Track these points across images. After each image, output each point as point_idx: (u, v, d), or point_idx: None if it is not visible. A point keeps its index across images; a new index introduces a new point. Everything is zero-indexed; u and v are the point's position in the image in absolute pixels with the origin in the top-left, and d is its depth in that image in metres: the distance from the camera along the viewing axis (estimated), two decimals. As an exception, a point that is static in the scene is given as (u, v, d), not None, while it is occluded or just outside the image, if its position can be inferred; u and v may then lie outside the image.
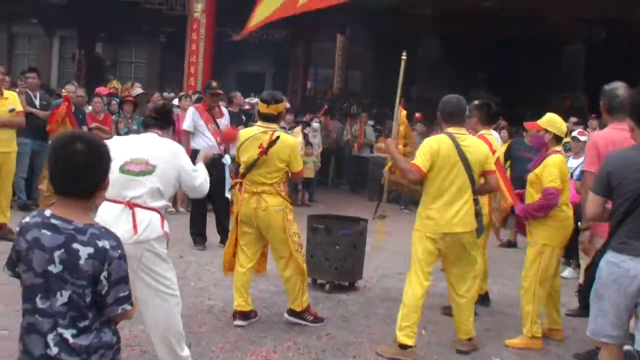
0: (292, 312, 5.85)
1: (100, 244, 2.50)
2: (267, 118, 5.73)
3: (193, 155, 8.59)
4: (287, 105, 8.42)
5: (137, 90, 11.81)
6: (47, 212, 2.54)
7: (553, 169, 5.49)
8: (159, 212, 4.26)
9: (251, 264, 5.83)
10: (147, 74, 25.11)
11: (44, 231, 2.50)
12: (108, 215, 4.17)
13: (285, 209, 5.66)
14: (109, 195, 4.19)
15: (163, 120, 4.66)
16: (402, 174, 5.55)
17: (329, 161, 15.29)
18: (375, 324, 6.02)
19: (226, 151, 8.58)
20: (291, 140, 5.76)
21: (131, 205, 4.17)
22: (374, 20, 18.31)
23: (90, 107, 10.64)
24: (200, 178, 4.56)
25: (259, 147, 5.57)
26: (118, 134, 10.25)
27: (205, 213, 8.68)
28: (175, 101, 11.77)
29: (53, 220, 2.51)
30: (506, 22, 16.36)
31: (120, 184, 4.20)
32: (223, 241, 8.59)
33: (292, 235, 5.69)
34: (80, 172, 2.52)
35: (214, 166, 8.28)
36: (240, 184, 5.75)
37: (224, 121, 8.71)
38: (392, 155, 5.55)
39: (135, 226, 4.12)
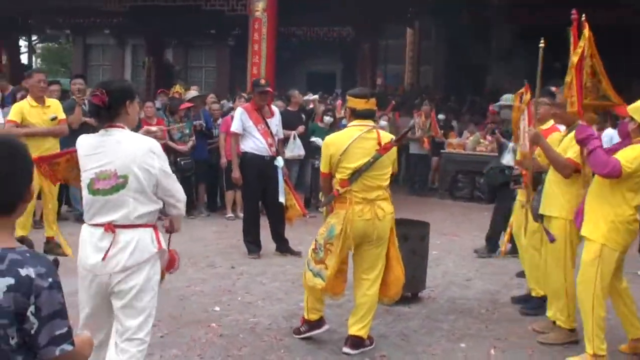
0: (354, 341, 5.02)
1: (23, 272, 1.97)
2: (367, 114, 5.10)
3: (243, 158, 8.23)
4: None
5: (192, 93, 11.42)
6: None
7: (632, 152, 4.66)
8: (150, 226, 3.58)
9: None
10: (216, 78, 25.02)
11: None
12: (89, 241, 3.56)
13: (393, 216, 5.10)
14: (87, 219, 3.61)
15: (118, 107, 3.59)
16: (556, 167, 5.23)
17: (399, 159, 14.56)
18: (438, 342, 5.32)
19: (278, 153, 8.05)
20: (390, 136, 5.20)
21: (112, 228, 3.49)
22: (444, 12, 17.54)
23: (142, 113, 10.32)
24: (177, 185, 3.73)
25: (377, 144, 4.95)
26: (171, 139, 9.88)
27: (259, 219, 8.15)
28: (230, 104, 11.39)
29: None
30: (583, 8, 15.31)
31: (95, 208, 3.55)
32: (279, 249, 8.09)
33: (392, 246, 5.15)
34: None
35: (267, 170, 7.86)
36: (339, 195, 5.01)
37: (275, 121, 8.16)
38: (543, 146, 5.28)
39: (106, 254, 3.46)
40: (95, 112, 3.65)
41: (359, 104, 5.07)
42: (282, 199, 7.82)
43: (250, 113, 7.96)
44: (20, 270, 1.97)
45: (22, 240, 2.19)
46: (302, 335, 5.26)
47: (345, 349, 5.01)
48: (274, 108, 8.38)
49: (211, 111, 11.41)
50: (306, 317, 5.27)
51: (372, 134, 5.02)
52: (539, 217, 5.49)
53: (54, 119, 7.67)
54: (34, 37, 29.68)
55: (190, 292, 6.37)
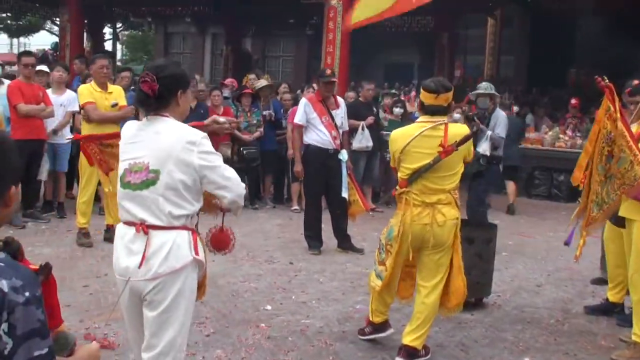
0: (408, 352, 4.68)
1: None
2: (435, 111, 4.64)
3: (306, 150, 7.99)
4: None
5: (262, 82, 11.25)
6: None
7: None
8: (186, 229, 3.20)
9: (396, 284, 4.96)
10: (294, 67, 24.92)
11: None
12: (121, 243, 3.24)
13: (458, 222, 4.69)
14: (121, 217, 3.29)
15: (169, 96, 3.24)
16: None
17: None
18: (500, 355, 4.95)
19: (342, 146, 7.77)
20: (463, 129, 4.77)
21: (144, 228, 3.14)
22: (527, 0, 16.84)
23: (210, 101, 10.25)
24: (232, 177, 3.24)
25: (440, 146, 4.53)
26: (238, 129, 9.73)
27: (321, 213, 7.91)
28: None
29: None
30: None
31: (126, 201, 3.23)
32: (341, 246, 7.84)
33: (455, 254, 4.75)
34: None
35: (330, 163, 7.61)
36: (399, 195, 4.73)
37: (340, 113, 7.87)
38: None
39: (143, 258, 3.13)
40: (143, 100, 3.21)
41: (428, 99, 4.67)
42: (345, 194, 7.56)
43: (314, 104, 7.71)
44: None
45: (7, 243, 1.94)
46: (366, 337, 5.05)
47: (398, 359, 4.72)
48: (340, 100, 8.10)
49: (282, 101, 11.23)
50: (371, 319, 5.04)
51: (438, 131, 4.58)
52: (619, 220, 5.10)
53: (114, 105, 7.61)
54: (118, 25, 30.33)
55: (244, 289, 6.19)
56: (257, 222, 9.17)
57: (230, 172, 3.25)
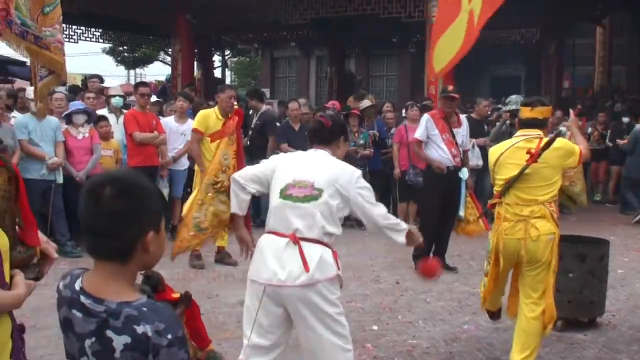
0: None
1: (139, 329, 1.80)
2: (531, 124, 4.77)
3: (427, 168, 7.94)
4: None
5: (365, 102, 11.35)
6: (78, 284, 1.90)
7: None
8: (329, 247, 3.61)
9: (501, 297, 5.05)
10: (398, 86, 24.89)
11: (74, 311, 1.87)
12: (270, 250, 3.60)
13: (555, 239, 4.58)
14: (270, 227, 3.68)
15: (326, 136, 3.96)
16: None
17: (586, 167, 13.58)
18: (615, 377, 4.79)
19: (463, 164, 7.70)
20: (565, 143, 4.74)
21: (296, 238, 3.54)
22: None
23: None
24: (380, 207, 3.76)
25: (527, 153, 4.59)
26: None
27: (434, 232, 7.80)
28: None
29: (82, 299, 1.86)
30: None
31: (281, 211, 3.64)
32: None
33: (552, 274, 4.65)
34: (106, 227, 1.85)
35: (450, 181, 7.55)
36: (496, 206, 4.77)
37: (462, 131, 7.80)
38: None
39: (305, 263, 3.49)
40: (318, 129, 3.94)
41: (524, 112, 4.82)
42: (462, 213, 7.47)
43: (436, 121, 7.66)
44: (136, 327, 1.80)
45: (147, 276, 2.06)
46: None
47: None
48: (462, 117, 8.04)
49: (385, 120, 11.29)
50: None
51: (531, 143, 4.61)
52: None
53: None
54: (226, 52, 31.32)
55: (351, 309, 6.24)
56: (363, 242, 9.22)
57: (378, 210, 3.72)
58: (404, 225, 3.83)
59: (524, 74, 23.41)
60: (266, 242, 3.66)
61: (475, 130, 10.05)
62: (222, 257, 7.89)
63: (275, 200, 3.70)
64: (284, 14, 16.93)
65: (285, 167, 3.80)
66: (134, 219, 1.86)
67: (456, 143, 7.64)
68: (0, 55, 15.02)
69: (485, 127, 10.99)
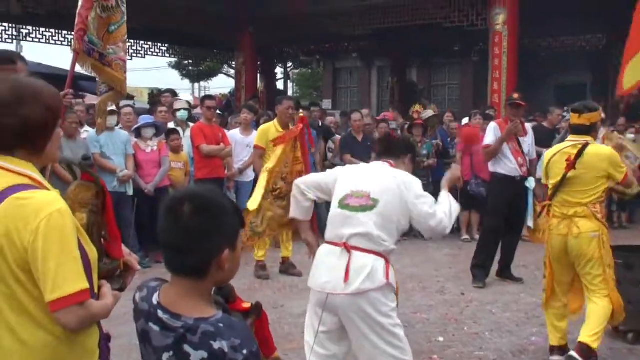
0: (581, 349, 4.76)
1: (216, 345, 1.84)
2: (579, 130, 5.07)
3: (493, 178, 7.85)
4: (602, 115, 7.23)
5: (428, 112, 11.33)
6: (155, 298, 1.97)
7: None
8: (383, 257, 3.66)
9: (564, 299, 5.12)
10: (460, 95, 24.70)
11: (151, 325, 1.94)
12: (325, 259, 3.72)
13: (602, 236, 4.85)
14: (327, 236, 3.77)
15: (393, 150, 4.06)
16: None
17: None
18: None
19: (530, 173, 7.62)
20: (604, 149, 5.02)
21: (348, 247, 3.62)
22: None
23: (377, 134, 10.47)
24: (437, 216, 3.79)
25: (566, 161, 4.92)
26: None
27: (498, 244, 7.74)
28: (465, 121, 11.12)
29: (160, 313, 1.93)
30: None
31: (338, 221, 3.75)
32: (500, 274, 7.71)
33: (608, 268, 4.87)
34: (183, 243, 1.90)
35: (516, 191, 7.48)
36: (548, 208, 5.10)
37: (528, 140, 7.73)
38: None
39: (347, 274, 3.55)
40: (382, 143, 4.19)
41: (572, 119, 5.13)
42: (530, 223, 7.36)
43: (503, 129, 7.57)
44: (213, 343, 1.84)
45: (220, 288, 2.13)
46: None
47: (572, 353, 4.82)
48: (528, 126, 7.98)
49: (448, 130, 11.25)
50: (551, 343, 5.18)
51: (575, 149, 4.91)
52: None
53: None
54: (288, 64, 31.63)
55: (416, 320, 6.24)
56: (427, 253, 9.20)
57: (434, 221, 3.78)
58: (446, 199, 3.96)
59: (590, 81, 22.92)
60: (322, 251, 3.78)
61: (547, 140, 9.89)
62: (287, 267, 7.98)
63: (333, 209, 3.82)
64: (346, 26, 17.07)
65: (347, 177, 3.91)
66: (210, 236, 1.90)
67: (522, 152, 7.56)
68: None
69: (557, 136, 10.82)
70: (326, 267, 3.66)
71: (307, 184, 4.08)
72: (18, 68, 3.55)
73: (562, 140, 9.94)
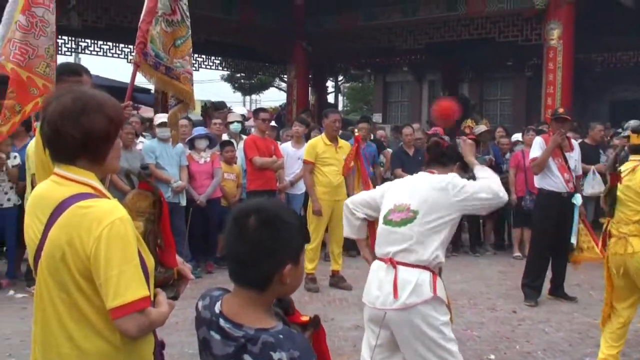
0: None
1: (275, 356, 1.85)
2: (638, 150, 5.06)
3: (539, 194, 7.75)
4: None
5: (481, 127, 11.22)
6: (217, 307, 1.99)
7: None
8: (429, 270, 3.64)
9: (622, 318, 5.04)
10: (512, 110, 24.41)
11: (212, 333, 1.97)
12: (374, 275, 3.75)
13: None
14: (376, 252, 3.80)
15: (440, 157, 4.01)
16: None
17: None
18: None
19: (576, 189, 7.49)
20: None
21: (394, 263, 3.62)
22: None
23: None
24: (484, 187, 3.72)
25: (610, 175, 5.07)
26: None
27: (548, 261, 7.61)
28: (517, 136, 11.01)
29: (222, 322, 1.95)
30: None
31: (383, 237, 3.77)
32: (554, 293, 7.58)
33: None
34: (247, 256, 1.93)
35: (563, 207, 7.33)
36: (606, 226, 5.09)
37: (575, 156, 7.61)
38: None
39: (395, 289, 3.56)
40: (430, 151, 4.08)
41: (632, 139, 5.10)
42: (573, 240, 7.24)
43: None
44: (272, 354, 1.86)
45: (279, 299, 2.14)
46: None
47: None
48: (574, 142, 7.87)
49: (500, 145, 11.13)
50: None
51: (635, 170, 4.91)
52: None
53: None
54: (339, 78, 31.72)
55: (467, 337, 6.17)
56: (478, 269, 9.09)
57: (485, 190, 3.72)
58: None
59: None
60: (373, 267, 3.80)
61: (590, 156, 9.76)
62: (337, 281, 7.98)
63: (379, 225, 3.83)
64: (398, 40, 17.06)
65: (392, 192, 3.91)
66: (273, 250, 1.92)
67: (569, 168, 7.44)
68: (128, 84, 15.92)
69: (601, 152, 10.62)
70: (376, 283, 3.69)
71: (355, 203, 4.11)
72: (83, 80, 3.66)
73: (618, 161, 9.82)
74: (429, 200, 3.68)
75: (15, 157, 7.79)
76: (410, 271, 3.60)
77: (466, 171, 4.12)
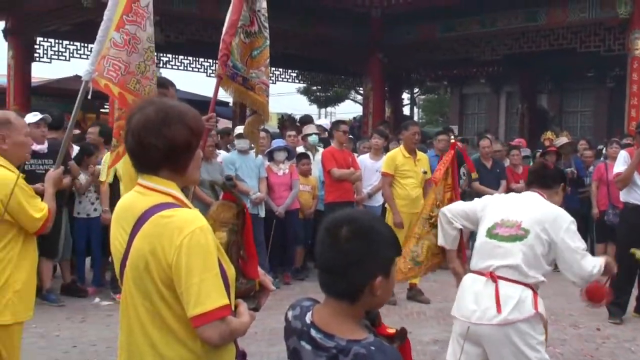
0: None
1: None
2: None
3: (624, 208, 7.53)
4: None
5: (562, 139, 10.98)
6: (308, 317, 1.99)
7: None
8: (531, 288, 3.59)
9: None
10: (593, 123, 23.77)
11: (303, 343, 1.96)
12: (470, 289, 3.68)
13: None
14: (472, 265, 3.74)
15: (546, 179, 3.98)
16: None
17: None
18: None
19: None
20: None
21: (495, 277, 3.56)
22: None
23: (508, 161, 10.27)
24: (587, 257, 3.70)
25: None
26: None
27: (634, 277, 7.38)
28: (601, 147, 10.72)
29: (313, 332, 1.95)
30: None
31: (485, 250, 3.71)
32: (638, 310, 7.29)
33: None
34: (338, 267, 1.91)
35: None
36: None
37: None
38: None
39: (498, 304, 3.49)
40: (536, 173, 4.08)
41: None
42: None
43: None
44: None
45: (367, 312, 2.14)
46: None
47: None
48: None
49: (583, 158, 10.87)
50: None
51: None
52: None
53: (424, 172, 7.94)
54: (415, 90, 31.59)
55: (550, 354, 5.91)
56: (559, 284, 8.77)
57: (585, 262, 3.66)
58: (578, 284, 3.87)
59: None
60: (468, 281, 3.73)
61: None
62: (414, 294, 7.92)
63: (481, 238, 3.77)
64: (476, 51, 16.89)
65: (496, 206, 3.86)
66: (365, 262, 1.90)
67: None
68: (207, 97, 16.30)
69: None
70: (471, 297, 3.62)
71: (453, 213, 4.04)
72: (169, 93, 3.78)
73: None
74: (541, 224, 3.65)
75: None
76: (513, 286, 3.55)
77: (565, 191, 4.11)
